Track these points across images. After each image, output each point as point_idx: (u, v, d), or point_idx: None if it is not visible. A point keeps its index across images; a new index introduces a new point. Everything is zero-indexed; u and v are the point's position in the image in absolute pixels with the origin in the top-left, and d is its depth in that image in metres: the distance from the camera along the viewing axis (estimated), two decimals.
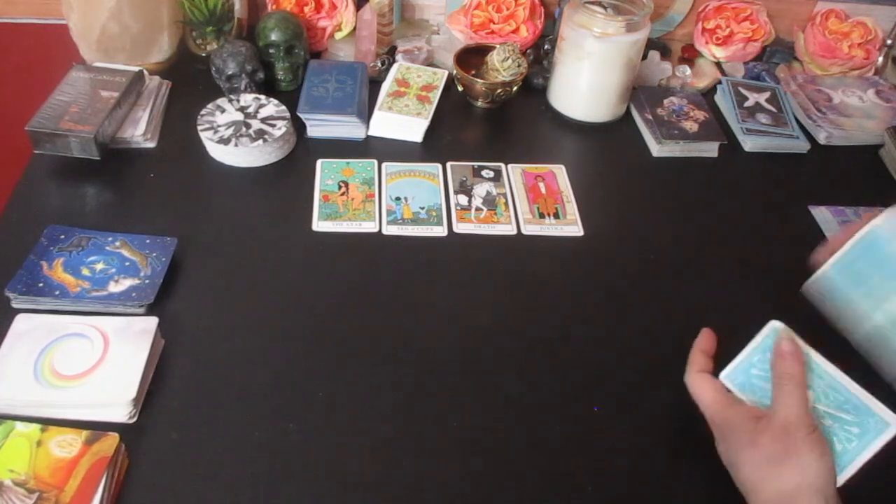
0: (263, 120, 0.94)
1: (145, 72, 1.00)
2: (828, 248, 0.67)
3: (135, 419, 0.65)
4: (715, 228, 0.92)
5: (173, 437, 0.64)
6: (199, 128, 0.92)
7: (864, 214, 0.67)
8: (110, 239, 0.79)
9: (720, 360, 0.64)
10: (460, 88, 1.06)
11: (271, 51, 1.03)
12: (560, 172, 0.97)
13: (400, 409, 0.69)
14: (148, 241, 0.79)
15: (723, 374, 0.63)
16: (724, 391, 0.61)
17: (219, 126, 0.93)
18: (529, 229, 0.89)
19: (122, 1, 0.97)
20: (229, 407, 0.67)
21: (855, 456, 0.57)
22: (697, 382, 0.62)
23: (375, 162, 0.95)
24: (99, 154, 0.87)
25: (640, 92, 1.09)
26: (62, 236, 0.78)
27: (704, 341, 0.65)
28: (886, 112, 1.11)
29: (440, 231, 0.87)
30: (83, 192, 0.88)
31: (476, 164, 0.97)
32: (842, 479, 0.56)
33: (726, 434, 0.59)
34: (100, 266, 0.76)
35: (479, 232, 0.88)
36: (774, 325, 0.62)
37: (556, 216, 0.91)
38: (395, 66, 1.07)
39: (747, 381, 0.62)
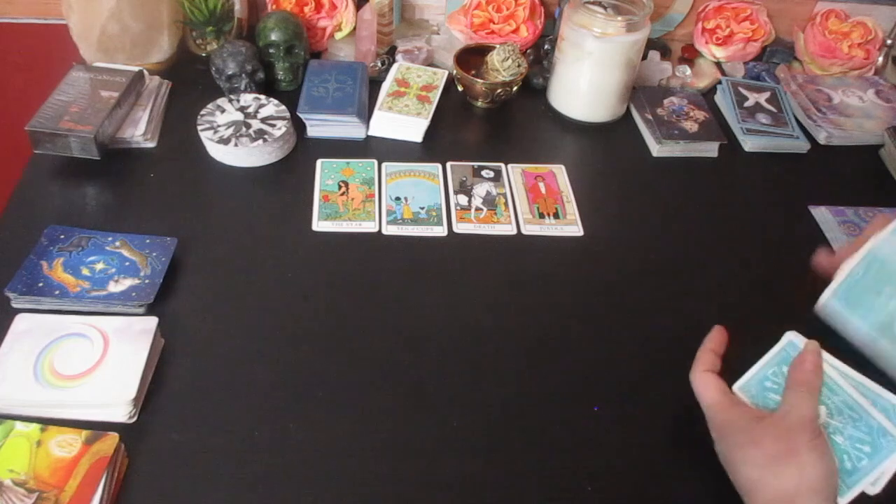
0: (263, 120, 0.94)
1: (145, 72, 1.00)
2: (834, 259, 0.66)
3: (134, 419, 0.65)
4: (715, 228, 0.92)
5: (173, 437, 0.64)
6: (199, 128, 0.92)
7: (865, 229, 0.66)
8: (110, 239, 0.79)
9: (725, 359, 0.64)
10: (460, 88, 1.06)
11: (271, 51, 1.03)
12: (560, 172, 0.97)
13: (400, 409, 0.69)
14: (148, 241, 0.79)
15: (736, 387, 0.62)
16: (728, 392, 0.61)
17: (219, 126, 0.93)
18: (529, 229, 0.89)
19: (122, 1, 0.97)
20: (229, 407, 0.67)
21: (864, 475, 0.56)
22: (702, 381, 0.61)
23: (375, 162, 0.95)
24: (99, 154, 0.87)
25: (640, 92, 1.09)
26: (62, 236, 0.78)
27: (715, 340, 0.64)
28: (886, 112, 1.11)
29: (440, 231, 0.87)
30: (83, 192, 0.88)
31: (476, 164, 0.96)
32: (847, 498, 0.56)
33: (726, 434, 0.59)
34: (100, 266, 0.76)
35: (479, 232, 0.88)
36: (792, 339, 0.61)
37: (556, 216, 0.91)
38: (395, 66, 1.07)
39: (760, 393, 0.61)
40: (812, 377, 0.57)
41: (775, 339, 0.63)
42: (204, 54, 1.08)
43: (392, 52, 1.14)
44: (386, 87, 1.04)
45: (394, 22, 1.14)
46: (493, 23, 1.14)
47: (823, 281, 0.68)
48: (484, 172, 0.95)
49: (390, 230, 0.86)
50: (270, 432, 0.66)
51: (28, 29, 1.15)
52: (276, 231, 0.85)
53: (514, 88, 1.04)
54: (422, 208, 0.89)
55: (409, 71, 1.07)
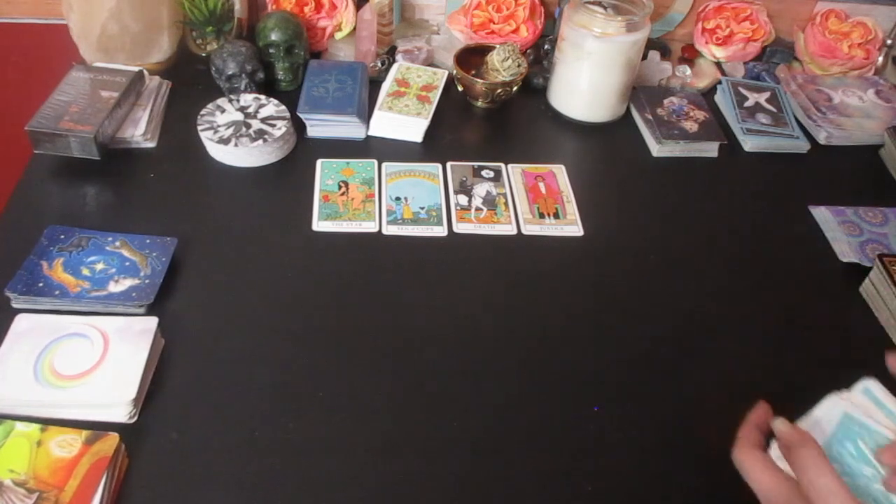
0: (263, 120, 0.94)
1: (145, 72, 1.00)
2: None
3: (135, 419, 0.65)
4: (715, 228, 0.92)
5: (173, 437, 0.64)
6: (199, 128, 0.92)
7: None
8: (110, 239, 0.79)
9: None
10: (460, 88, 1.06)
11: (271, 51, 1.03)
12: (560, 172, 0.97)
13: (399, 409, 0.69)
14: (148, 241, 0.79)
15: None
16: (782, 472, 0.52)
17: (219, 126, 0.93)
18: (529, 229, 0.89)
19: (122, 1, 0.97)
20: (229, 407, 0.67)
21: None
22: (753, 462, 0.53)
23: (375, 162, 0.95)
24: (99, 154, 0.87)
25: (640, 92, 1.09)
26: (62, 236, 0.78)
27: (759, 416, 0.57)
28: (886, 112, 1.11)
29: (440, 231, 0.87)
30: (83, 192, 0.88)
31: (476, 164, 0.96)
32: None
33: None
34: (100, 266, 0.76)
35: (479, 232, 0.88)
36: (868, 386, 0.54)
37: (556, 216, 0.91)
38: (395, 66, 1.07)
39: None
40: (800, 437, 0.52)
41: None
42: (204, 54, 1.08)
43: (392, 52, 1.14)
44: (386, 87, 1.04)
45: (394, 22, 1.14)
46: (493, 23, 1.14)
47: None
48: (484, 172, 0.95)
49: (390, 230, 0.86)
50: (270, 432, 0.66)
51: (28, 29, 1.15)
52: (276, 231, 0.85)
53: (514, 88, 1.04)
54: (422, 208, 0.89)
55: (409, 71, 1.07)
